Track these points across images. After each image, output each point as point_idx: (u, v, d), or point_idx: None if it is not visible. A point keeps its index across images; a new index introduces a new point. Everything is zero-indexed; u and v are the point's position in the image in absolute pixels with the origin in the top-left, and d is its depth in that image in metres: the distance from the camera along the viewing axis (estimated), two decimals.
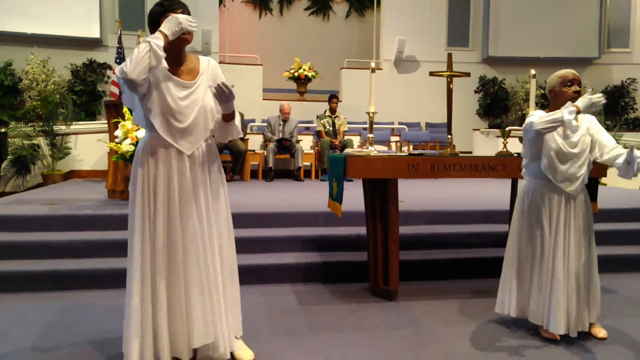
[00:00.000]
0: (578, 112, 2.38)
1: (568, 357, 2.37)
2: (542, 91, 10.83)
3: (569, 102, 2.40)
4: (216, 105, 2.12)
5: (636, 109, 10.78)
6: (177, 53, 2.06)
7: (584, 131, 2.54)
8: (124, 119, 4.32)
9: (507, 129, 3.84)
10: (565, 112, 2.35)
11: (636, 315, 2.94)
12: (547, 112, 2.55)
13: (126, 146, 4.13)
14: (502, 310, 2.68)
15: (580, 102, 2.40)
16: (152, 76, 1.98)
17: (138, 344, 1.99)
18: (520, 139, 3.59)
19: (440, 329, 2.69)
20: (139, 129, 4.23)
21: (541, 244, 2.55)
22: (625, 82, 10.78)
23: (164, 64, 1.96)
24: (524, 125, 2.58)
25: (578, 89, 2.54)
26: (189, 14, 2.04)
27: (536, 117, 2.48)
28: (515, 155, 3.39)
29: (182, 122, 2.03)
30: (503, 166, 3.23)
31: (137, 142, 4.14)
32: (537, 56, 10.51)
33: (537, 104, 10.55)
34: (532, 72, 3.65)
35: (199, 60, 2.14)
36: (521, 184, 2.74)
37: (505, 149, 3.52)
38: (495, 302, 2.72)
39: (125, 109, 4.41)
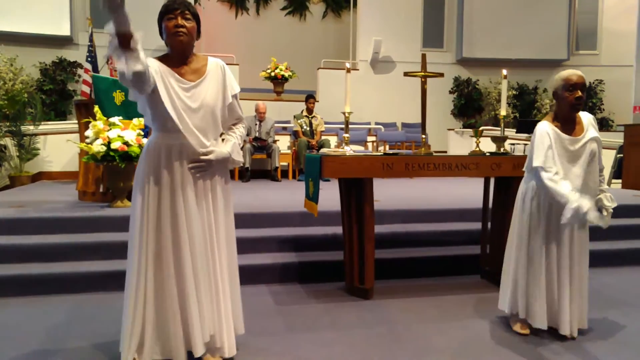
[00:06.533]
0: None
1: (542, 351, 2.42)
2: (514, 92, 11.07)
3: (580, 206, 2.23)
4: (223, 107, 2.14)
5: (603, 110, 11.12)
6: (179, 53, 2.08)
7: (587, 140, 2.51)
8: (94, 119, 4.23)
9: (480, 128, 3.90)
10: (569, 213, 2.24)
11: (607, 308, 3.02)
12: (552, 117, 2.52)
13: (97, 147, 4.05)
14: (501, 307, 2.69)
15: (591, 214, 2.23)
16: (157, 76, 2.00)
17: (135, 344, 2.02)
18: (493, 139, 3.67)
19: (416, 326, 2.71)
20: (110, 129, 4.15)
21: (545, 243, 2.53)
22: (593, 83, 11.11)
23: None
24: (532, 137, 2.51)
25: (580, 94, 2.44)
26: (190, 13, 2.04)
27: (543, 148, 2.42)
28: (487, 154, 3.44)
29: (188, 120, 2.04)
30: (476, 165, 3.28)
31: (108, 142, 4.06)
32: (509, 58, 10.74)
33: (509, 104, 10.78)
34: (504, 72, 3.72)
35: (206, 61, 2.15)
36: (522, 183, 2.68)
37: (478, 148, 3.57)
38: (468, 299, 2.74)
39: (96, 109, 4.31)
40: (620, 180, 6.92)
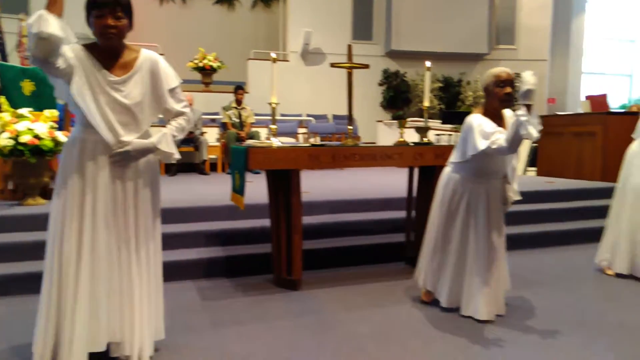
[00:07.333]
0: (529, 109, 2.32)
1: (461, 333, 2.54)
2: (440, 84, 11.52)
3: (519, 111, 2.33)
4: (151, 104, 2.04)
5: None
6: (107, 48, 1.97)
7: None
8: (0, 110, 3.89)
9: (405, 119, 4.02)
10: (522, 125, 2.29)
11: (519, 289, 3.20)
12: (482, 111, 2.61)
13: (3, 140, 3.73)
14: (418, 283, 2.90)
15: (521, 98, 2.33)
16: (77, 64, 1.89)
17: (50, 346, 1.93)
18: (417, 129, 3.79)
19: (342, 314, 2.75)
20: (19, 121, 3.83)
21: (461, 230, 2.69)
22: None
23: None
24: (467, 128, 2.58)
25: (510, 90, 2.57)
26: (122, 9, 1.93)
27: (489, 127, 2.48)
28: (411, 144, 3.55)
29: (110, 116, 1.94)
30: (399, 155, 3.38)
31: (17, 135, 3.75)
32: (435, 51, 11.14)
33: (435, 96, 11.21)
34: (427, 64, 3.85)
35: (138, 54, 2.03)
36: (444, 172, 2.82)
37: (402, 139, 3.67)
38: (394, 285, 2.85)
39: (2, 99, 3.97)
40: (535, 168, 7.43)
